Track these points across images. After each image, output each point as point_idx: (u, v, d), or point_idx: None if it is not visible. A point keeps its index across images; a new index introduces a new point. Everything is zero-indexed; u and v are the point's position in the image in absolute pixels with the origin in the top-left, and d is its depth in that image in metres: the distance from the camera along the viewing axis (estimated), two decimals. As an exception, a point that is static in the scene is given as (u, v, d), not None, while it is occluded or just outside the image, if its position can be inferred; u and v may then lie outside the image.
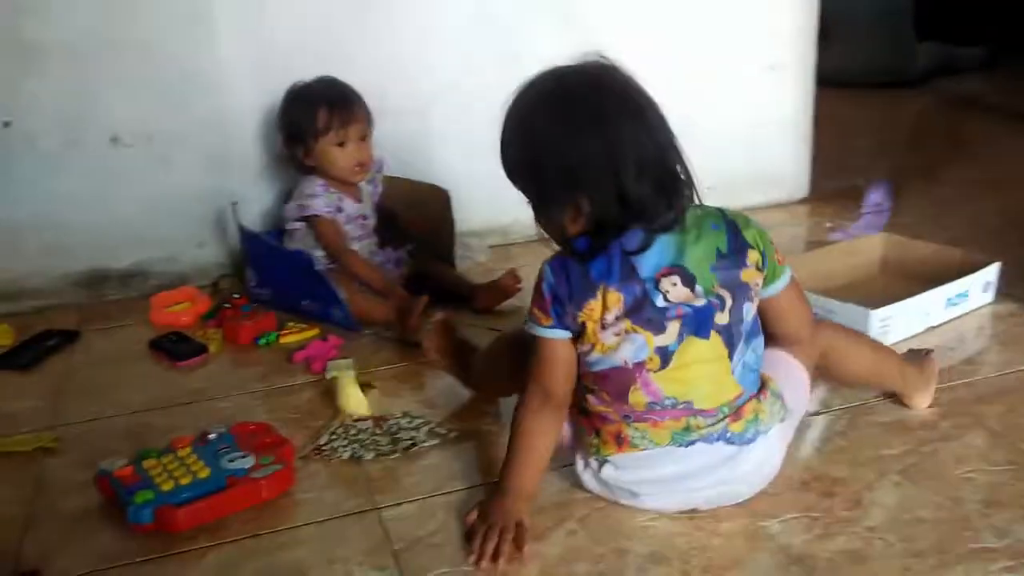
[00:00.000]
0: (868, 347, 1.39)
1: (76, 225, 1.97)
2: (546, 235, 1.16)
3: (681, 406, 1.12)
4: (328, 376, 1.58)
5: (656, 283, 1.10)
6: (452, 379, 1.53)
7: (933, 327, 1.70)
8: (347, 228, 1.92)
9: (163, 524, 1.17)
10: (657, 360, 1.11)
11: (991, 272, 1.77)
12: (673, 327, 1.10)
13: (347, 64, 1.99)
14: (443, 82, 2.13)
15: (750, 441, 1.15)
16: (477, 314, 1.82)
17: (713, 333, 1.11)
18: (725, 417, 1.13)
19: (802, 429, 1.35)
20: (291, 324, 1.80)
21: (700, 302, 1.10)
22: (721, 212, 1.16)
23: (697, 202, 1.14)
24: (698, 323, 1.11)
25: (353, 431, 1.41)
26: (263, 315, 1.80)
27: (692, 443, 1.13)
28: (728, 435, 1.14)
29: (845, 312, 1.62)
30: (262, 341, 1.75)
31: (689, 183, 1.12)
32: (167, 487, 1.20)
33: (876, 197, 2.67)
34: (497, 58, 2.10)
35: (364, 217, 1.96)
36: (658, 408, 1.12)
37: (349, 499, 1.24)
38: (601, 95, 1.10)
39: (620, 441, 1.15)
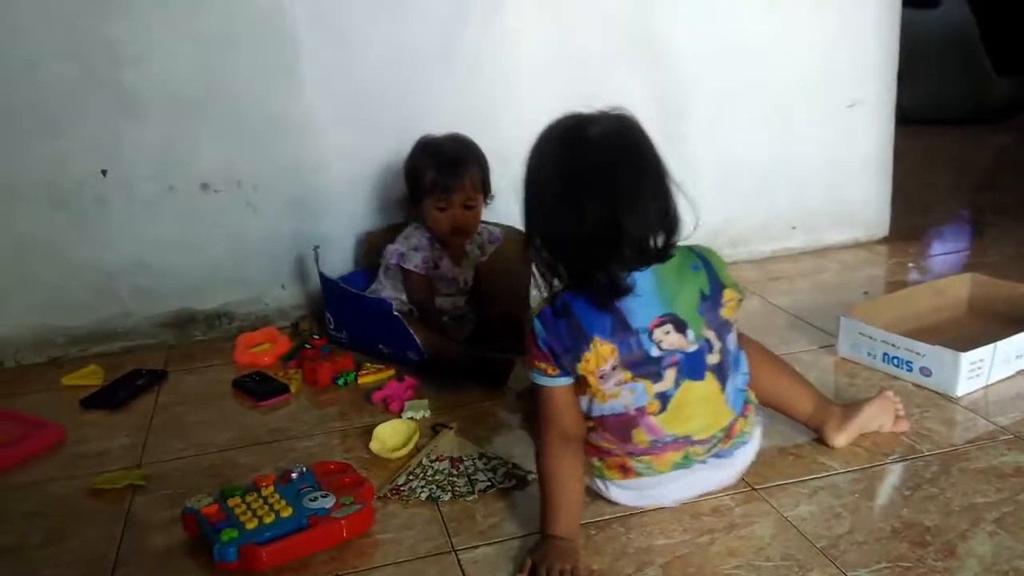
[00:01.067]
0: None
1: (166, 268, 2.04)
2: (539, 279, 1.22)
3: (681, 440, 1.22)
4: (405, 416, 1.60)
5: (650, 334, 1.17)
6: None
7: (1023, 371, 1.64)
8: (438, 286, 1.95)
9: (247, 562, 1.19)
10: (657, 404, 1.19)
11: (1085, 313, 1.71)
12: (670, 374, 1.18)
13: (429, 111, 2.04)
14: (524, 129, 2.14)
15: (733, 452, 1.27)
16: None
17: (708, 374, 1.21)
18: (719, 442, 1.24)
19: (889, 476, 1.31)
20: (368, 365, 1.83)
21: (692, 347, 1.18)
22: (692, 251, 1.22)
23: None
24: (692, 367, 1.19)
25: (430, 472, 1.42)
26: (341, 356, 1.84)
27: (691, 465, 1.24)
28: (720, 452, 1.25)
29: (934, 355, 1.57)
30: (340, 381, 1.78)
31: (678, 229, 1.18)
32: (251, 525, 1.23)
33: (954, 236, 2.60)
34: (581, 99, 2.12)
35: (464, 282, 1.98)
36: (659, 444, 1.22)
37: (427, 540, 1.24)
38: (615, 155, 1.15)
39: (625, 471, 1.24)
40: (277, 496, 1.30)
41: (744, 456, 1.30)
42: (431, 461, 1.45)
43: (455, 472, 1.41)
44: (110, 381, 1.86)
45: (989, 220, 2.68)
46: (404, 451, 1.48)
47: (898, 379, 1.63)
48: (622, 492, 1.27)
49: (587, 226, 1.13)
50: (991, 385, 1.59)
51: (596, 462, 1.26)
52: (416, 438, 1.50)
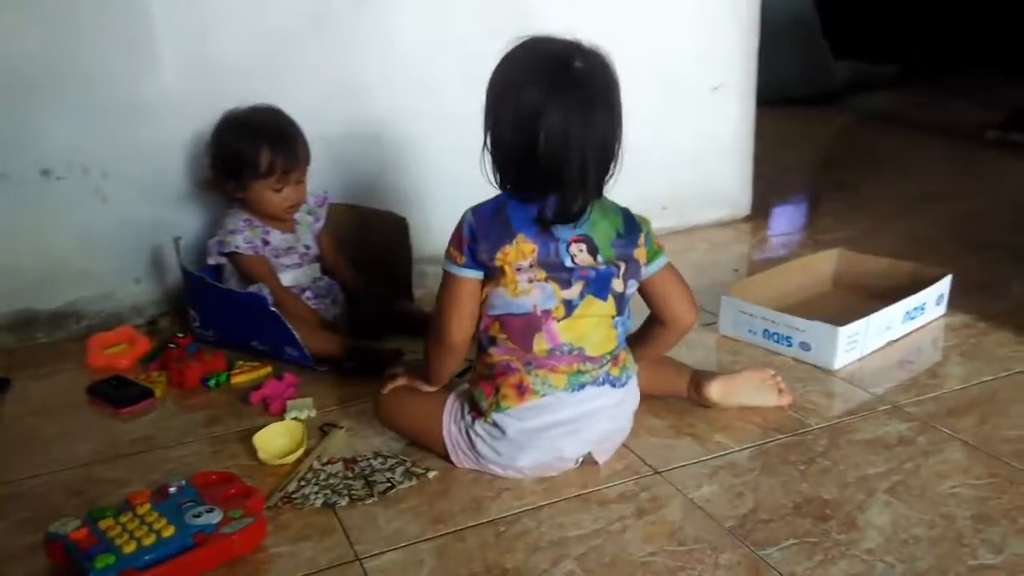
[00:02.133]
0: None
1: (2, 264, 1.83)
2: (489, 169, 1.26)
3: (575, 352, 1.27)
4: (288, 417, 1.51)
5: (567, 246, 1.25)
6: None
7: (893, 341, 1.72)
8: (279, 260, 1.84)
9: (128, 590, 1.07)
10: (562, 309, 1.26)
11: (944, 285, 1.81)
12: (578, 285, 1.26)
13: (297, 88, 1.93)
14: (397, 107, 2.07)
15: (625, 384, 1.32)
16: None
17: (610, 296, 1.28)
18: (607, 363, 1.30)
19: (784, 451, 1.34)
20: (241, 363, 1.71)
21: (601, 267, 1.26)
22: (622, 207, 1.33)
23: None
24: (599, 285, 1.27)
25: (323, 476, 1.33)
26: (211, 355, 1.70)
27: (583, 387, 1.28)
28: (611, 378, 1.30)
29: (812, 330, 1.62)
30: (211, 382, 1.66)
31: (614, 169, 1.26)
32: (129, 549, 1.11)
33: (810, 214, 2.72)
34: (458, 79, 2.06)
35: (305, 248, 1.88)
36: (556, 354, 1.26)
37: (328, 551, 1.17)
38: (593, 82, 1.22)
39: (522, 391, 1.26)
40: (155, 514, 1.18)
41: (632, 396, 1.35)
42: (323, 464, 1.36)
43: (350, 474, 1.33)
44: (-58, 393, 1.66)
45: (840, 197, 2.82)
46: (297, 454, 1.38)
47: (779, 354, 1.68)
48: (517, 424, 1.26)
49: (543, 146, 1.18)
50: (865, 357, 1.65)
51: (492, 400, 1.27)
52: (305, 438, 1.41)
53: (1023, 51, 4.43)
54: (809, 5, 4.47)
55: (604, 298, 1.27)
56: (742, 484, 1.27)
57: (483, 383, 1.30)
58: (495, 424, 1.27)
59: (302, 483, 1.32)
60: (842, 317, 1.63)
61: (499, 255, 1.23)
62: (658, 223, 2.46)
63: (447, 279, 1.28)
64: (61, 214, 1.86)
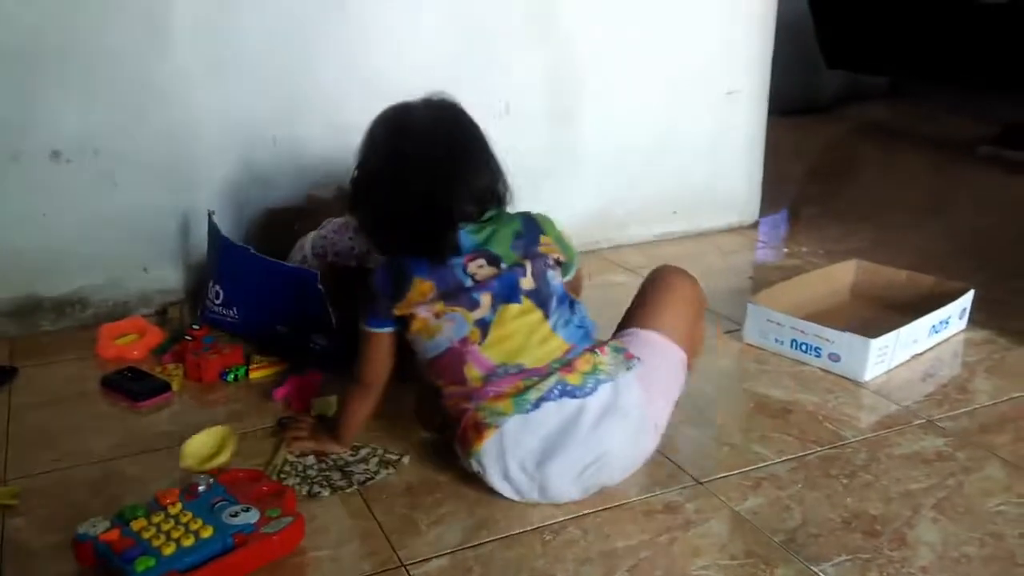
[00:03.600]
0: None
1: (7, 248, 1.77)
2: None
3: (513, 370, 1.22)
4: (314, 414, 1.47)
5: (464, 268, 1.24)
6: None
7: (918, 354, 1.72)
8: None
9: (171, 595, 1.03)
10: (478, 332, 1.22)
11: (967, 299, 1.81)
12: (485, 299, 1.23)
13: (312, 72, 1.88)
14: (413, 92, 2.02)
15: (592, 391, 1.21)
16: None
17: (524, 298, 1.24)
18: (557, 370, 1.21)
19: (825, 463, 1.33)
20: (258, 357, 1.66)
21: (504, 273, 1.24)
22: (519, 213, 1.32)
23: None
24: (507, 291, 1.23)
25: (300, 468, 1.33)
26: (229, 348, 1.66)
27: (537, 405, 1.19)
28: (568, 388, 1.20)
29: (843, 341, 1.61)
30: (230, 377, 1.61)
31: (495, 201, 1.29)
32: (169, 551, 1.07)
33: (817, 223, 2.72)
34: (474, 69, 2.03)
35: None
36: (494, 379, 1.21)
37: (371, 555, 1.13)
38: (435, 138, 1.27)
39: (479, 428, 1.20)
40: (189, 514, 1.14)
41: (618, 406, 1.20)
42: (296, 457, 1.35)
43: (324, 466, 1.33)
44: (-54, 381, 1.59)
45: (843, 207, 2.82)
46: (221, 459, 1.33)
47: (806, 365, 1.67)
48: (491, 465, 1.21)
49: (409, 203, 1.24)
50: (892, 369, 1.65)
51: (468, 451, 1.22)
52: (233, 442, 1.37)
53: (1014, 67, 4.48)
54: (805, 15, 4.49)
55: (518, 301, 1.23)
56: (787, 497, 1.25)
57: (456, 432, 1.25)
58: (483, 471, 1.21)
59: (282, 475, 1.31)
60: (863, 328, 1.63)
61: (401, 305, 1.24)
62: (667, 227, 2.49)
63: (361, 337, 1.30)
64: (69, 198, 1.80)
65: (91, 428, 1.45)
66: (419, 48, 2.01)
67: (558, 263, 1.30)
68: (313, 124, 1.95)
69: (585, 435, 1.19)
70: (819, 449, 1.38)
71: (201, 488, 1.20)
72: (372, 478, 1.30)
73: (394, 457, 1.35)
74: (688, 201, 2.47)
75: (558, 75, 2.19)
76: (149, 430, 1.45)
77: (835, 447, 1.39)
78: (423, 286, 1.23)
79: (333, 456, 1.35)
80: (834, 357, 1.63)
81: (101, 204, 1.82)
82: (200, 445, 1.37)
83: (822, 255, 2.33)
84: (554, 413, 1.19)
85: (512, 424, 1.19)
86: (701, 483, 1.29)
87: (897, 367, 1.66)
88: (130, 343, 1.73)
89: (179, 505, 1.16)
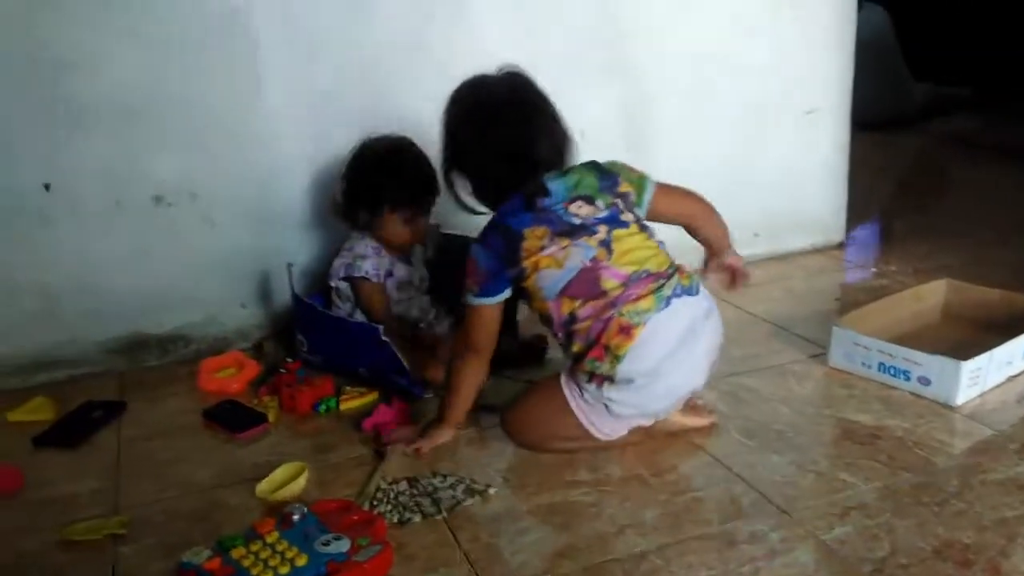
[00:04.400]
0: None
1: (116, 289, 1.88)
2: (469, 205, 1.50)
3: (643, 275, 1.39)
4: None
5: (565, 210, 1.40)
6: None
7: (1013, 376, 1.66)
8: (396, 294, 1.86)
9: (268, 620, 1.09)
10: (604, 251, 1.39)
11: (1065, 319, 1.75)
12: (601, 228, 1.40)
13: (397, 116, 1.94)
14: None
15: (698, 292, 1.44)
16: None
17: (631, 224, 1.43)
18: (673, 274, 1.42)
19: (915, 491, 1.30)
20: (349, 389, 1.72)
21: (604, 212, 1.41)
22: (589, 162, 1.49)
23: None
24: (614, 221, 1.41)
25: (392, 495, 1.37)
26: (320, 380, 1.72)
27: (668, 302, 1.38)
28: (685, 287, 1.41)
29: (933, 364, 1.58)
30: (322, 408, 1.68)
31: (569, 147, 1.47)
32: (266, 579, 1.12)
33: (905, 241, 2.65)
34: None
35: (420, 280, 1.91)
36: (631, 284, 1.38)
37: (458, 584, 1.17)
38: (514, 95, 1.46)
39: (627, 330, 1.36)
40: (285, 542, 1.20)
41: (714, 307, 1.45)
42: (388, 484, 1.39)
43: (416, 492, 1.37)
44: (62, 415, 1.70)
45: (930, 223, 2.75)
46: (292, 489, 1.38)
47: (895, 389, 1.63)
48: (636, 367, 1.35)
49: (499, 149, 1.41)
50: (986, 392, 1.60)
51: (605, 361, 1.36)
52: (305, 476, 1.41)
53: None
54: (888, 27, 4.39)
55: (625, 226, 1.41)
56: (876, 526, 1.23)
57: (591, 354, 1.37)
58: (623, 379, 1.36)
59: (375, 502, 1.35)
60: (955, 350, 1.59)
61: (523, 256, 1.38)
62: (750, 250, 2.46)
63: (468, 310, 1.44)
64: (170, 240, 1.91)
65: (194, 459, 1.53)
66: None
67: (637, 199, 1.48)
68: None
69: (706, 328, 1.42)
70: (909, 476, 1.36)
71: (296, 518, 1.25)
72: (459, 504, 1.34)
73: (480, 487, 1.38)
74: (770, 223, 2.44)
75: (633, 100, 2.21)
76: (247, 460, 1.52)
77: (926, 474, 1.36)
78: (537, 231, 1.38)
79: (423, 483, 1.39)
80: (924, 381, 1.60)
81: (200, 245, 1.93)
82: (273, 478, 1.42)
83: (911, 274, 2.28)
84: (681, 309, 1.39)
85: (654, 320, 1.36)
86: (786, 512, 1.28)
87: (991, 390, 1.61)
88: (229, 377, 1.81)
89: (276, 534, 1.22)
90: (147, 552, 1.27)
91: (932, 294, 1.94)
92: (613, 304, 1.36)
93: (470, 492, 1.37)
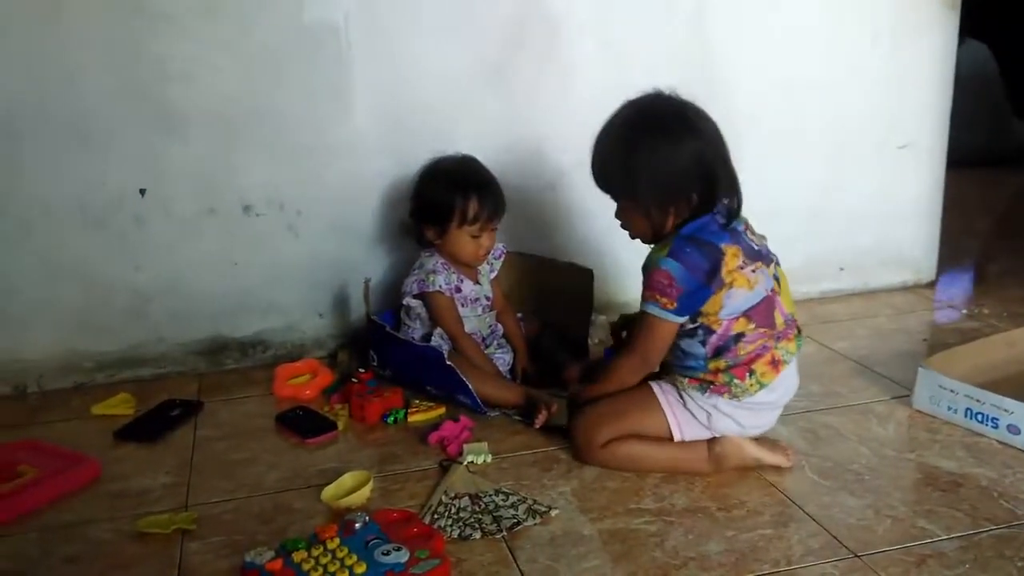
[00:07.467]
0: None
1: (202, 293, 1.94)
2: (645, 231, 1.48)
3: (791, 319, 1.49)
4: (465, 461, 1.51)
5: (746, 235, 1.46)
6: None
7: (1112, 428, 1.57)
8: (463, 311, 1.87)
9: (323, 625, 1.09)
10: (776, 284, 1.46)
11: None
12: (772, 260, 1.48)
13: (479, 138, 1.96)
14: (574, 159, 2.07)
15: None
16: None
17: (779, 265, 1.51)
18: (797, 328, 1.52)
19: (999, 544, 1.24)
20: (417, 402, 1.74)
21: (766, 245, 1.49)
22: None
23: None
24: (772, 258, 1.49)
25: (454, 509, 1.37)
26: (390, 391, 1.74)
27: (799, 350, 1.50)
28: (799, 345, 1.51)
29: (1023, 412, 1.50)
30: (390, 419, 1.69)
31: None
32: (325, 583, 1.13)
33: (1002, 283, 2.54)
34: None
35: (487, 298, 1.92)
36: (788, 324, 1.47)
37: (514, 604, 1.15)
38: (685, 113, 1.45)
39: (776, 364, 1.44)
40: (345, 549, 1.21)
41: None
42: (451, 499, 1.39)
43: (478, 509, 1.36)
44: (142, 411, 1.76)
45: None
46: (354, 499, 1.39)
47: (982, 436, 1.56)
48: (768, 397, 1.46)
49: (698, 159, 1.42)
50: (1080, 443, 1.52)
51: (748, 381, 1.43)
52: (370, 486, 1.42)
53: None
54: (990, 63, 4.24)
55: (780, 264, 1.50)
56: (954, 577, 1.18)
57: (734, 371, 1.43)
58: (752, 401, 1.44)
59: (436, 515, 1.35)
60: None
61: (725, 273, 1.39)
62: (835, 284, 2.41)
63: (651, 321, 1.43)
64: (256, 248, 1.96)
65: (264, 461, 1.56)
66: (582, 113, 2.04)
67: None
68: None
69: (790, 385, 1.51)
70: (993, 528, 1.29)
71: (357, 525, 1.26)
72: (520, 523, 1.33)
73: (543, 508, 1.37)
74: (856, 258, 2.38)
75: (722, 127, 2.18)
76: (315, 466, 1.54)
77: (1011, 526, 1.29)
78: (733, 250, 1.41)
79: (485, 500, 1.39)
80: (1014, 429, 1.52)
81: (284, 254, 1.98)
82: (340, 485, 1.44)
83: (1005, 317, 2.18)
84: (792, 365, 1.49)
85: (793, 363, 1.48)
86: (859, 556, 1.23)
87: (1087, 440, 1.52)
88: (303, 383, 1.85)
89: (337, 540, 1.23)
90: (212, 549, 1.29)
91: (1026, 339, 1.85)
92: (776, 338, 1.44)
93: (532, 513, 1.36)
